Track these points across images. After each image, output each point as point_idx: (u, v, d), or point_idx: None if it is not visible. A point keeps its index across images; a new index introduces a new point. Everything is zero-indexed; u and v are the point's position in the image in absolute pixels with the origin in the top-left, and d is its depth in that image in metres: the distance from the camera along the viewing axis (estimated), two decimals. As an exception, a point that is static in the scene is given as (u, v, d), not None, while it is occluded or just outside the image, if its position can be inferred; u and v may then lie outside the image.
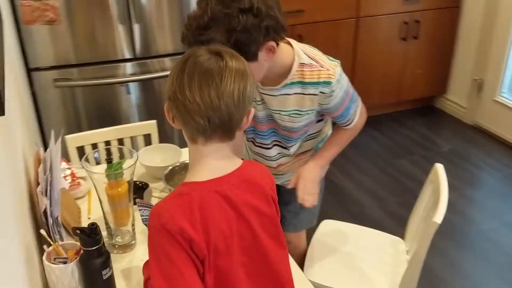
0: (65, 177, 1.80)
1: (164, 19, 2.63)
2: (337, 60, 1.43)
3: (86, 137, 2.13)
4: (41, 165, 1.51)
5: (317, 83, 1.38)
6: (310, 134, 1.61)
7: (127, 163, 1.48)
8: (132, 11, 2.52)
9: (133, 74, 2.67)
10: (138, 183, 1.75)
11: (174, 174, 1.78)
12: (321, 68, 1.38)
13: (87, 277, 1.28)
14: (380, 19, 3.70)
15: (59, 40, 2.52)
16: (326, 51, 1.41)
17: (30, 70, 2.56)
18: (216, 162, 1.07)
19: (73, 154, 2.11)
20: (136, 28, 2.57)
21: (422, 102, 4.29)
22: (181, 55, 1.07)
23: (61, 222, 1.47)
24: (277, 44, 1.27)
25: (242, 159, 1.14)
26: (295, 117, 1.46)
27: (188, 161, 1.14)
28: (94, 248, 1.25)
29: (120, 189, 1.53)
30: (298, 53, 1.39)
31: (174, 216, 1.01)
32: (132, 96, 2.76)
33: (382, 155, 3.62)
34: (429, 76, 4.04)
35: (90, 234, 1.24)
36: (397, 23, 3.75)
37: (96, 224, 1.25)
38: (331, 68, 1.39)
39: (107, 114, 2.75)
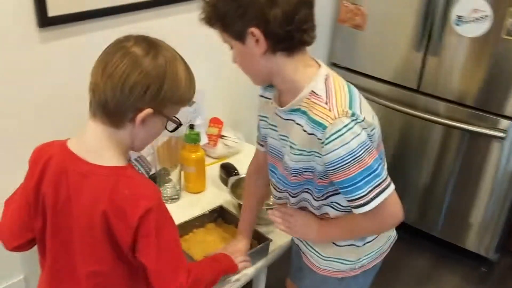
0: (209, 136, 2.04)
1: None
2: (360, 115, 1.12)
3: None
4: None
5: (313, 120, 1.13)
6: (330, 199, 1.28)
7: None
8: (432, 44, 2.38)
9: (411, 106, 2.53)
10: (231, 169, 1.84)
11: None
12: (324, 105, 1.12)
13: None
14: None
15: (357, 45, 2.66)
16: None
17: (331, 64, 2.83)
18: (87, 140, 1.08)
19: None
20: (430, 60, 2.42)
21: None
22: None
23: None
24: (274, 47, 1.12)
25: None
26: (291, 150, 1.22)
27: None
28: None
29: (194, 155, 1.74)
30: (317, 80, 1.16)
31: (35, 152, 1.14)
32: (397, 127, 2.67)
33: None
34: None
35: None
36: None
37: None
38: (335, 112, 1.11)
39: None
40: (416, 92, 2.49)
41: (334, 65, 2.78)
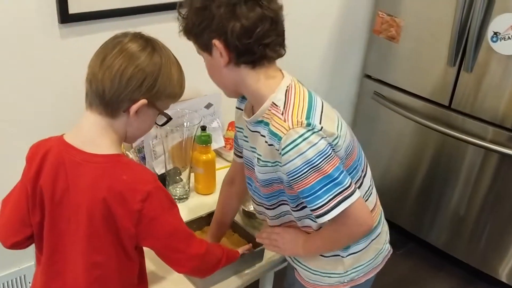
0: (226, 139, 2.06)
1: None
2: (317, 125, 1.12)
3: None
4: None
5: (271, 131, 1.15)
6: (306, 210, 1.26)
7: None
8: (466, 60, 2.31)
9: (444, 124, 2.47)
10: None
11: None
12: (280, 116, 1.15)
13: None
14: None
15: (391, 58, 2.64)
16: None
17: (364, 76, 2.84)
18: (84, 131, 1.13)
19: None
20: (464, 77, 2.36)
21: None
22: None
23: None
24: (236, 59, 1.14)
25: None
26: (258, 162, 1.24)
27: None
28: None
29: (204, 157, 1.77)
30: (278, 91, 1.18)
31: (31, 148, 1.19)
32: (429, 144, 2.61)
33: None
34: None
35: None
36: None
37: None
38: (290, 123, 1.13)
39: (406, 154, 2.71)
40: (448, 109, 2.44)
41: (367, 77, 2.78)
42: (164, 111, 1.15)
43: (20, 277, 1.83)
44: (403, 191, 2.76)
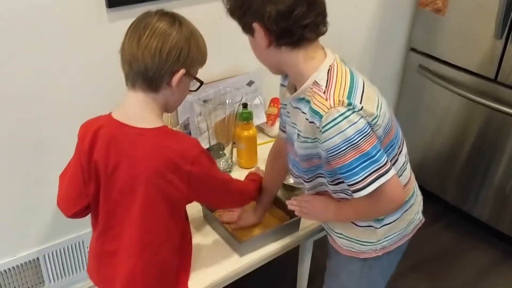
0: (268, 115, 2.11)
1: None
2: (357, 104, 1.15)
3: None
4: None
5: (312, 109, 1.19)
6: (341, 186, 1.31)
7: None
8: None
9: (490, 98, 2.43)
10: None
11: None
12: (322, 95, 1.17)
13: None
14: None
15: (437, 30, 2.60)
16: None
17: (409, 49, 2.81)
18: (130, 109, 1.24)
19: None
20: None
21: None
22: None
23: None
24: (276, 41, 1.19)
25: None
26: (298, 138, 1.29)
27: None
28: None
29: (245, 133, 1.84)
30: (322, 69, 1.21)
31: (82, 126, 1.30)
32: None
33: None
34: None
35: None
36: None
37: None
38: (331, 101, 1.16)
39: (452, 128, 2.68)
40: (494, 82, 2.39)
41: (413, 50, 2.75)
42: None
43: (78, 242, 1.98)
44: (448, 165, 2.75)
